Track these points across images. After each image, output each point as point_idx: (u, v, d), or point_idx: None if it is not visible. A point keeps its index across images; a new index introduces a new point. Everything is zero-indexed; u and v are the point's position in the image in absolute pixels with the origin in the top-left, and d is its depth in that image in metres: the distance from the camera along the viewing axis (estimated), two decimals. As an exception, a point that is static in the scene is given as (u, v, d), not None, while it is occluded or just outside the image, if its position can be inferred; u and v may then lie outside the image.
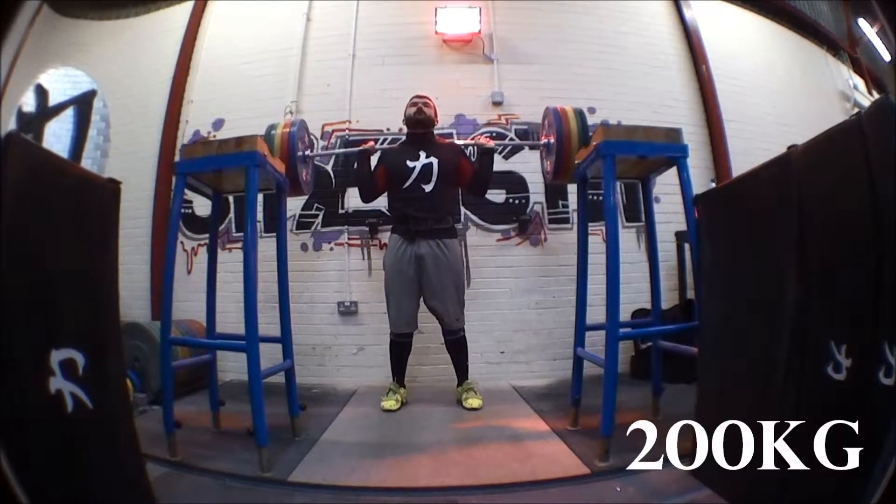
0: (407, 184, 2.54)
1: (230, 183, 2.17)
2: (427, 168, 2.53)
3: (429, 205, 2.53)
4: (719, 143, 3.65)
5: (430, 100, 2.70)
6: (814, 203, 1.19)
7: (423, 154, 2.56)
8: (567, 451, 1.83)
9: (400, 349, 2.62)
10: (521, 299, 3.31)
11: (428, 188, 2.53)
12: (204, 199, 2.35)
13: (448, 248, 2.55)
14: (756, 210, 1.45)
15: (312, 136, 3.00)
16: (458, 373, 2.64)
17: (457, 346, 2.62)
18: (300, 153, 2.34)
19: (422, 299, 2.59)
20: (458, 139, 3.24)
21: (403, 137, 2.76)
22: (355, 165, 2.75)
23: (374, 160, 2.70)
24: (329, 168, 3.43)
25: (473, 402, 2.49)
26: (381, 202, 2.87)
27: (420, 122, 2.61)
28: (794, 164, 1.27)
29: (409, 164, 2.55)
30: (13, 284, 0.94)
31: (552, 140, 2.30)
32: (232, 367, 3.13)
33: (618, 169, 1.85)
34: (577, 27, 3.71)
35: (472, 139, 2.75)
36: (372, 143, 2.73)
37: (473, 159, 2.82)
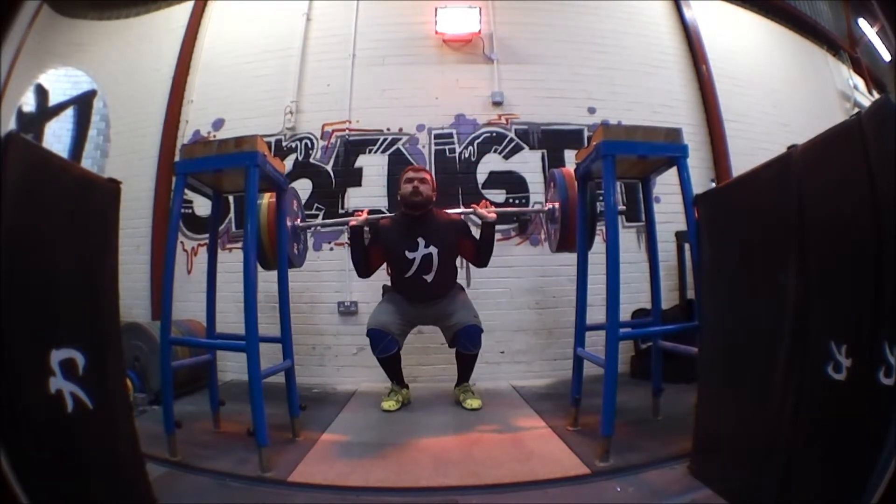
0: (408, 274, 2.48)
1: (230, 183, 2.17)
2: (427, 259, 2.46)
3: (432, 291, 2.51)
4: (719, 143, 3.65)
5: (427, 174, 2.56)
6: (814, 203, 1.19)
7: (421, 242, 2.45)
8: (567, 451, 1.83)
9: (386, 363, 2.53)
10: (521, 299, 3.31)
11: (430, 278, 2.48)
12: (204, 199, 2.35)
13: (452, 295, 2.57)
14: (756, 210, 1.45)
15: (301, 208, 2.72)
16: (461, 374, 2.62)
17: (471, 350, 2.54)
18: (289, 224, 2.25)
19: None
20: (458, 207, 3.05)
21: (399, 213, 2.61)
22: (347, 241, 2.64)
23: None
24: (329, 168, 3.44)
25: (473, 402, 2.49)
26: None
27: (416, 204, 2.48)
28: (794, 164, 1.27)
29: (409, 255, 2.45)
30: (13, 284, 0.94)
31: (556, 206, 2.19)
32: (232, 367, 3.13)
33: (618, 169, 1.85)
34: (577, 27, 3.72)
35: (472, 207, 2.54)
36: (363, 214, 2.53)
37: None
